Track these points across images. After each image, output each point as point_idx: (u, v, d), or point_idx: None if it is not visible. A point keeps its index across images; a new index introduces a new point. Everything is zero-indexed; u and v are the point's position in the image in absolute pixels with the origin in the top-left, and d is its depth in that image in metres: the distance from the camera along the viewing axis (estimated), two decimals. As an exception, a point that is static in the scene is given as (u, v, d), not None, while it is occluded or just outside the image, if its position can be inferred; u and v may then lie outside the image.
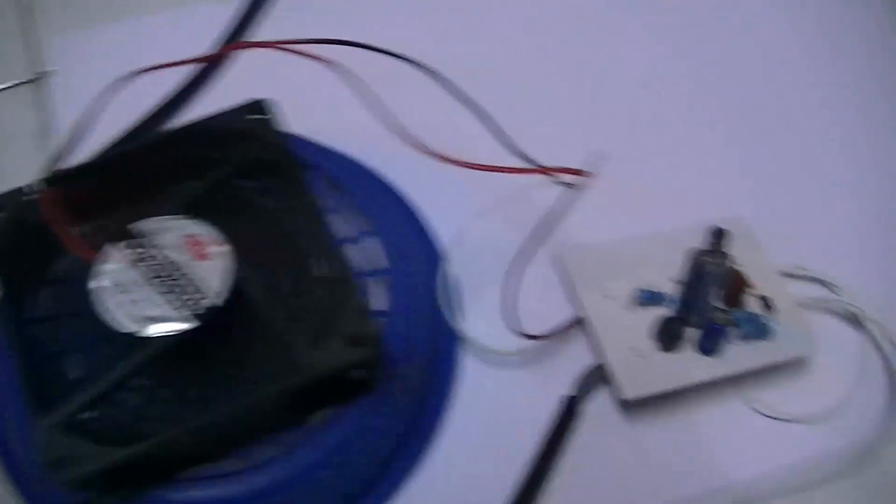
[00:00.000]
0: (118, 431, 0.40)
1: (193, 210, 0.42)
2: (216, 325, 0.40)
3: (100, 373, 0.41)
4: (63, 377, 0.42)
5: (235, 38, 0.57)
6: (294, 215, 0.43)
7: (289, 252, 0.43)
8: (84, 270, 0.41)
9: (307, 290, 0.42)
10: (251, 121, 0.44)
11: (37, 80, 0.57)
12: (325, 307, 0.41)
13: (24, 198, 0.43)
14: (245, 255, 0.41)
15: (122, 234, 0.42)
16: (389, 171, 0.52)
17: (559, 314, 0.48)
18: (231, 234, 0.42)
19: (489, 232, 0.51)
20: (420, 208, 0.52)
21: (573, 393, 0.47)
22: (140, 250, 0.41)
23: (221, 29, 0.58)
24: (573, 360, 0.48)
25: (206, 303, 0.40)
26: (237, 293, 0.41)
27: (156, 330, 0.40)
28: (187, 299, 0.40)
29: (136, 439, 0.39)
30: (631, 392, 0.44)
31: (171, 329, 0.40)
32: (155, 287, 0.40)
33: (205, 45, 0.57)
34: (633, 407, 0.46)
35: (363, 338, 0.40)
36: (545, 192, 0.51)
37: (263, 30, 0.58)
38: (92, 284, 0.41)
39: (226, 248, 0.41)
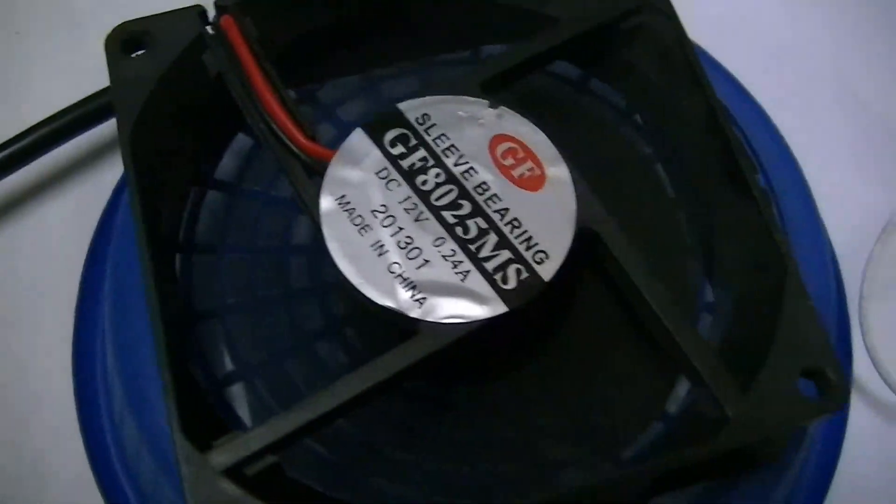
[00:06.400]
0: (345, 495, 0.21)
1: (503, 94, 0.22)
2: (554, 316, 0.21)
3: (313, 379, 0.22)
4: (239, 377, 0.23)
5: None
6: (692, 144, 0.23)
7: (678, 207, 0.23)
8: (301, 176, 0.22)
9: (726, 281, 0.22)
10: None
11: None
12: (756, 317, 0.21)
13: (194, 30, 0.23)
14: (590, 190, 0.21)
15: (381, 119, 0.22)
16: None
17: None
18: (572, 150, 0.22)
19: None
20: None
21: None
22: (416, 152, 0.22)
23: None
24: None
25: (541, 270, 0.20)
26: (581, 263, 0.21)
27: (439, 311, 0.20)
28: (502, 258, 0.20)
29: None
30: None
31: (465, 313, 0.20)
32: (441, 226, 0.21)
33: None
34: None
35: (823, 376, 0.20)
36: None
37: None
38: (323, 204, 0.21)
39: (562, 171, 0.21)
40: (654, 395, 0.23)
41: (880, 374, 0.28)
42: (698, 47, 0.29)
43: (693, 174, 0.24)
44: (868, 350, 0.28)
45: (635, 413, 0.23)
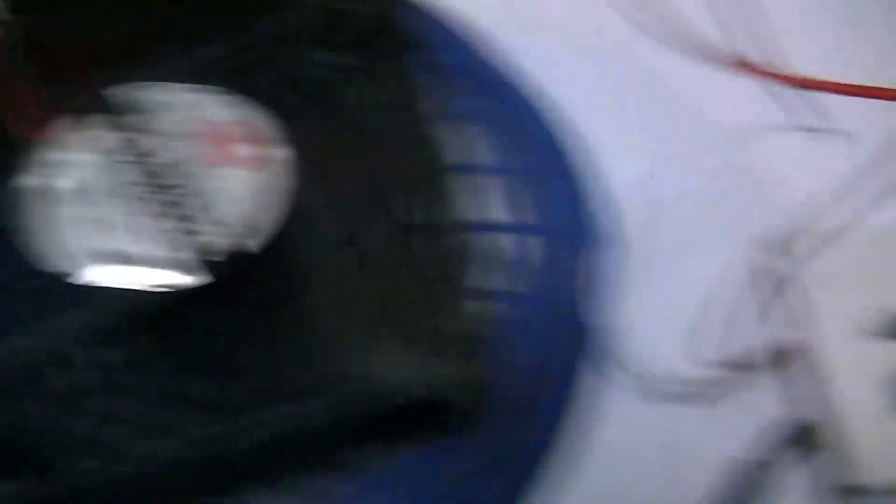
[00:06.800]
0: (23, 454, 0.22)
1: (225, 78, 0.24)
2: (242, 285, 0.23)
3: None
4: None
5: None
6: (394, 124, 0.25)
7: (378, 183, 0.25)
8: (14, 159, 0.23)
9: (401, 253, 0.25)
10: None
11: None
12: (421, 288, 0.24)
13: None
14: (310, 171, 0.24)
15: (95, 104, 0.24)
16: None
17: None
18: (287, 130, 0.24)
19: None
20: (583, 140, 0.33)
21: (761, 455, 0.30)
22: (124, 135, 0.23)
23: None
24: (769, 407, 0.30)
25: (230, 243, 0.22)
26: (290, 236, 0.23)
27: (129, 279, 0.22)
28: (195, 232, 0.22)
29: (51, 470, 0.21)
30: (874, 475, 0.28)
31: (157, 282, 0.22)
32: (142, 204, 0.23)
33: None
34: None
35: (464, 349, 0.23)
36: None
37: None
38: (28, 184, 0.23)
39: (278, 152, 0.24)
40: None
41: (636, 353, 0.31)
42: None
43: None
44: (626, 328, 0.31)
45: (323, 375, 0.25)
